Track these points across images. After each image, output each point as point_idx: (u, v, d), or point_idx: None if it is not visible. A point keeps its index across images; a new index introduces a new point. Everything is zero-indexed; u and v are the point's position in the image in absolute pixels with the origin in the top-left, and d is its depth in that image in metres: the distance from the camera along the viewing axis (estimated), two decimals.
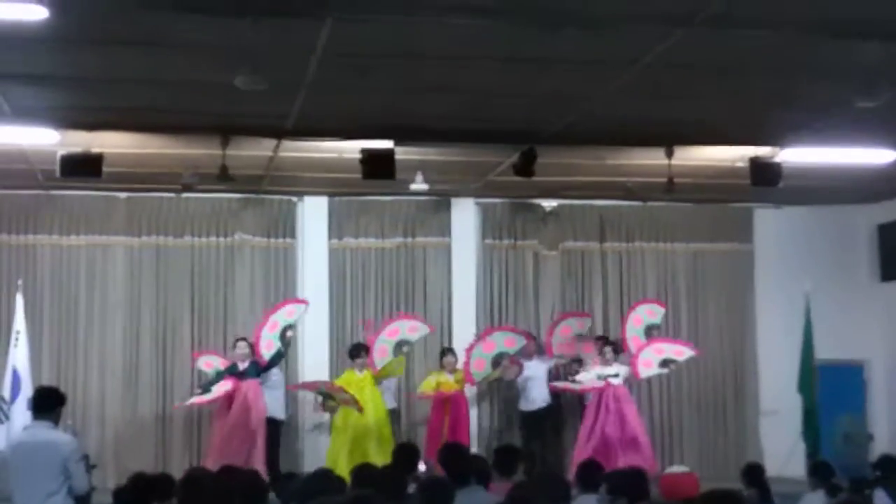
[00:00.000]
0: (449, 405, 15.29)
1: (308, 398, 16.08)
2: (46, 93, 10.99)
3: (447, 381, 15.36)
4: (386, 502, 6.11)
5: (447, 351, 15.84)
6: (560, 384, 16.03)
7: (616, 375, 15.44)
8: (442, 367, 15.70)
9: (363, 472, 7.96)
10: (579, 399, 16.09)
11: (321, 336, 16.45)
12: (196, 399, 15.15)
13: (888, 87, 10.11)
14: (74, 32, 9.09)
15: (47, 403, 8.62)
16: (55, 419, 8.57)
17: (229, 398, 14.84)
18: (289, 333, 15.34)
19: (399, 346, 15.32)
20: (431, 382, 15.53)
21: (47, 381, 15.08)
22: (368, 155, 12.56)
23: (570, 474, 9.50)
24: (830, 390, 16.19)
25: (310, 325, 16.40)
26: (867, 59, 9.61)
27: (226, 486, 7.44)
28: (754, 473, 9.99)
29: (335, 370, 16.34)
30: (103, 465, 15.39)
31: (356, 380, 15.09)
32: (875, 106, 10.40)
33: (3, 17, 8.50)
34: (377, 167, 12.60)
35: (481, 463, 8.90)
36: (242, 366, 15.02)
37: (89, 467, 13.11)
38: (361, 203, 16.75)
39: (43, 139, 12.40)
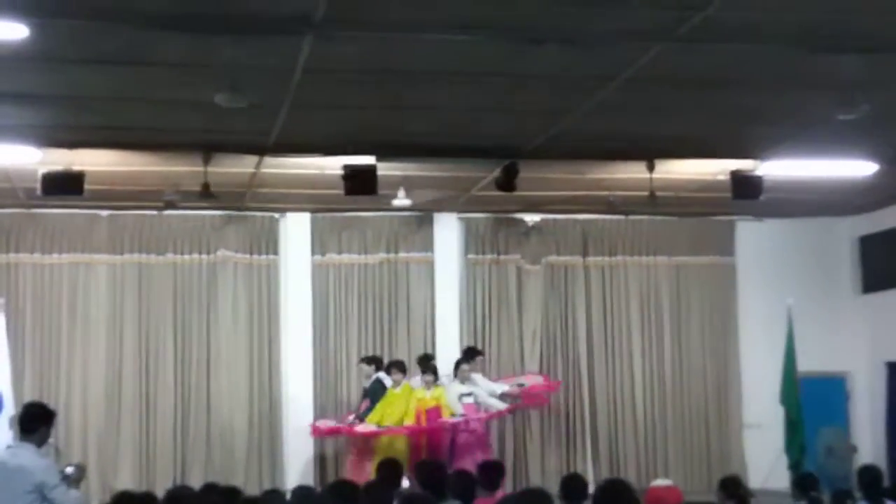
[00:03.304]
0: (426, 421, 15.00)
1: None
2: (27, 111, 10.98)
3: (425, 397, 15.03)
4: None
5: (426, 368, 15.66)
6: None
7: (469, 394, 15.10)
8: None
9: (344, 488, 7.94)
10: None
11: (304, 352, 16.43)
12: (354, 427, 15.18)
13: (867, 99, 10.16)
14: (55, 51, 9.09)
15: (31, 424, 8.50)
16: (38, 440, 8.44)
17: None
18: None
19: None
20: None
21: (29, 398, 15.02)
22: (350, 171, 12.57)
23: None
24: (813, 403, 16.19)
25: (292, 341, 16.42)
26: (846, 71, 9.67)
27: None
28: (731, 486, 10.00)
29: (318, 385, 16.37)
30: (86, 482, 15.27)
31: (394, 396, 15.02)
32: (855, 118, 10.46)
33: None
34: (359, 183, 12.61)
35: (465, 478, 8.89)
36: (366, 384, 15.27)
37: (80, 477, 13.16)
38: (344, 219, 16.75)
39: (24, 157, 12.39)
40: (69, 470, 12.18)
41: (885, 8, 8.42)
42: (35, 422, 8.51)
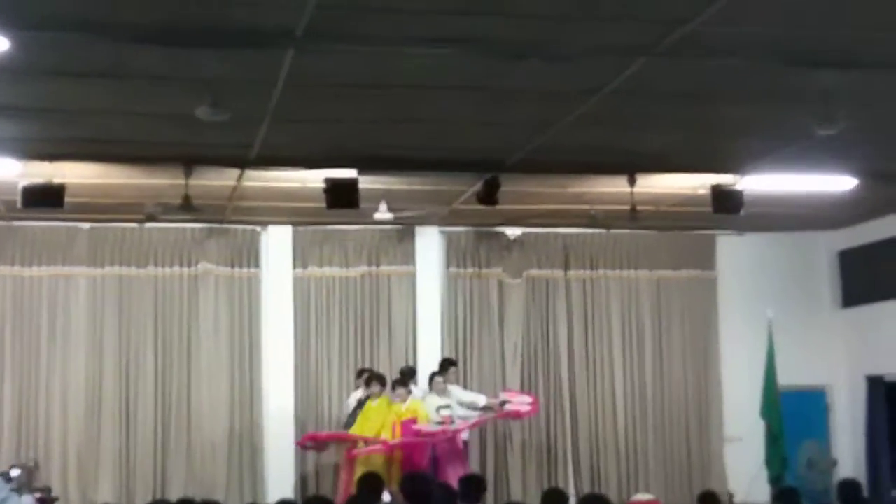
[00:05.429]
0: (401, 433, 14.57)
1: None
2: (8, 123, 10.93)
3: (401, 410, 14.78)
4: None
5: (399, 381, 15.29)
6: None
7: (447, 406, 14.97)
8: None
9: (322, 502, 7.93)
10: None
11: (286, 365, 16.40)
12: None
13: (847, 114, 10.20)
14: (36, 63, 9.06)
15: None
16: None
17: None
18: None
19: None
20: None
21: (9, 412, 15.08)
22: (332, 184, 12.56)
23: None
24: (794, 416, 16.26)
25: (273, 355, 16.39)
26: (826, 87, 9.70)
27: None
28: (710, 501, 10.03)
29: (299, 399, 16.34)
30: (67, 497, 15.28)
31: (371, 410, 14.87)
32: (834, 133, 10.48)
33: None
34: (341, 196, 12.60)
35: (447, 491, 8.90)
36: (362, 396, 15.12)
37: (51, 499, 13.09)
38: (325, 232, 16.75)
39: (4, 170, 12.34)
40: (14, 473, 11.67)
41: (865, 24, 8.45)
42: None
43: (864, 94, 10.17)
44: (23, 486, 9.67)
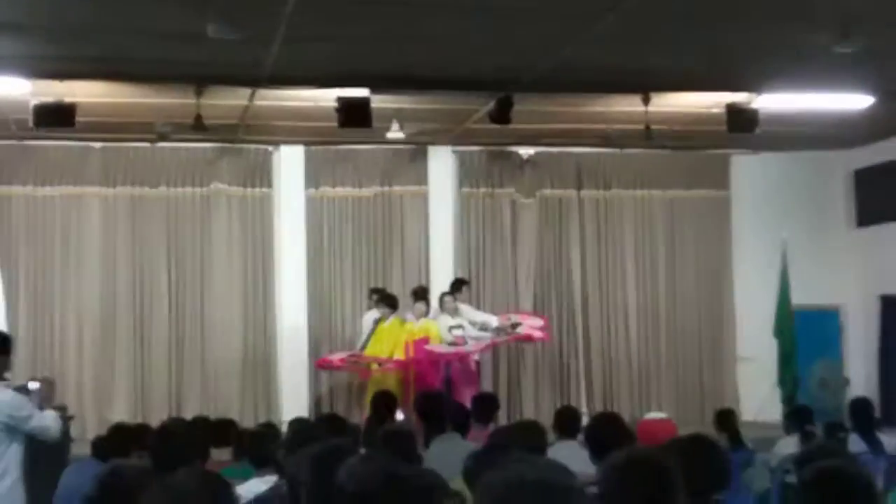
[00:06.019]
0: (413, 352, 14.52)
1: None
2: (17, 42, 10.87)
3: (413, 329, 14.78)
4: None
5: (418, 295, 15.48)
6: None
7: (459, 327, 14.91)
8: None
9: (335, 421, 7.97)
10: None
11: (298, 285, 16.43)
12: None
13: (864, 31, 10.10)
14: None
15: None
16: None
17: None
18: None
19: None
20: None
21: (24, 333, 15.14)
22: (344, 103, 12.51)
23: None
24: (807, 336, 16.25)
25: (286, 274, 16.41)
26: (843, 4, 9.59)
27: (199, 437, 7.43)
28: (725, 418, 10.07)
29: (312, 318, 16.39)
30: (82, 415, 15.39)
31: (384, 331, 14.88)
32: (852, 51, 10.39)
33: None
34: (353, 116, 12.57)
35: (460, 410, 8.93)
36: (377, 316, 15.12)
37: (67, 418, 13.13)
38: (338, 152, 16.68)
39: (15, 88, 12.29)
40: (33, 386, 11.44)
41: None
42: None
43: (881, 12, 10.05)
44: (44, 401, 9.42)
